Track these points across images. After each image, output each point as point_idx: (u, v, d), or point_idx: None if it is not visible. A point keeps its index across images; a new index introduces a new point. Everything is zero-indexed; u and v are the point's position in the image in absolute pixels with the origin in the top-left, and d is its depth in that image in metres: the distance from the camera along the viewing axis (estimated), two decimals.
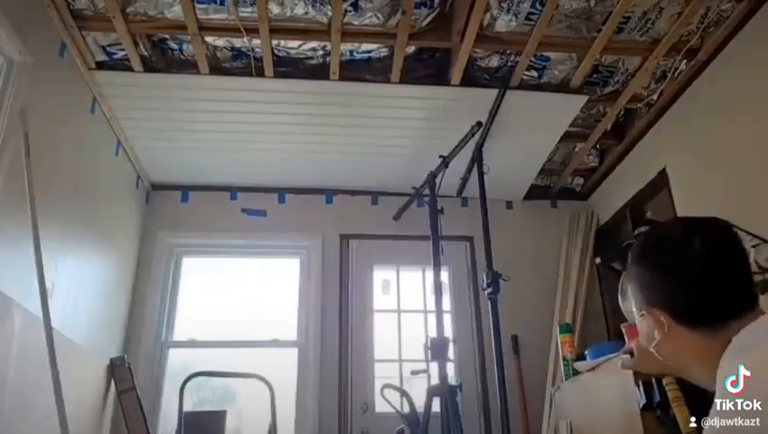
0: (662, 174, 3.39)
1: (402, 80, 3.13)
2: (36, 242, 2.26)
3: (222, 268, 4.26)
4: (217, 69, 3.09)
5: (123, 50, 2.93)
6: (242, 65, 3.09)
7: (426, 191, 3.30)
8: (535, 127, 3.51)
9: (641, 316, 1.06)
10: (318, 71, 3.11)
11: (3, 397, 2.24)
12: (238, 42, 2.95)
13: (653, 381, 2.01)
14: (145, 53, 2.97)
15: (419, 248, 4.18)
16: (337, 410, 3.66)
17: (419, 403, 2.70)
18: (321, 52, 3.03)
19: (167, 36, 2.94)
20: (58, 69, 2.75)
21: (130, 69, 3.02)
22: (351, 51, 3.03)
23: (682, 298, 0.99)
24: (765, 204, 2.55)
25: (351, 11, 2.72)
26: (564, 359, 2.95)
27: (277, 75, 3.09)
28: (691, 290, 0.99)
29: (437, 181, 3.26)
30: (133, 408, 3.24)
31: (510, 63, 3.10)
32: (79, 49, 2.86)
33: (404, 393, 2.82)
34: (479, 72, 3.17)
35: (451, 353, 2.82)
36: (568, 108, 3.34)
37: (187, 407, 3.25)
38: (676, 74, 3.13)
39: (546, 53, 3.05)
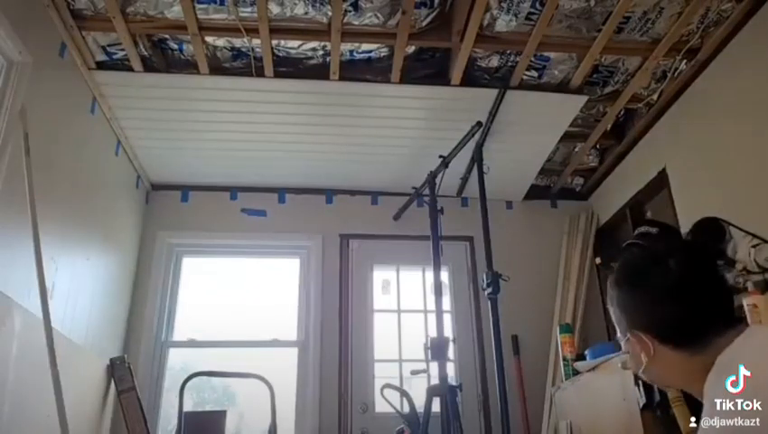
0: (662, 174, 3.39)
1: (402, 80, 3.13)
2: (36, 242, 2.26)
3: (222, 268, 4.27)
4: (217, 69, 3.09)
5: (123, 50, 2.93)
6: (242, 65, 3.09)
7: (426, 191, 3.30)
8: (535, 127, 3.51)
9: (627, 340, 1.06)
10: (318, 71, 3.11)
11: (3, 397, 2.23)
12: (238, 42, 2.95)
13: None
14: (145, 53, 2.97)
15: (419, 248, 4.18)
16: (337, 410, 3.66)
17: (419, 403, 2.70)
18: (321, 52, 3.03)
19: (167, 36, 2.94)
20: (58, 69, 2.74)
21: (130, 69, 3.02)
22: (351, 51, 3.03)
23: (664, 320, 1.00)
24: (765, 204, 2.55)
25: (351, 11, 2.72)
26: (564, 359, 2.95)
27: (277, 75, 3.09)
28: (672, 311, 0.99)
29: (437, 181, 3.26)
30: (133, 408, 3.24)
31: (510, 63, 3.10)
32: (79, 49, 2.86)
33: (404, 393, 2.82)
34: (479, 72, 3.17)
35: (451, 353, 2.82)
36: (568, 108, 3.34)
37: (187, 407, 3.26)
38: (676, 74, 3.13)
39: (546, 53, 3.05)
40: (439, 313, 2.87)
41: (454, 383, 2.64)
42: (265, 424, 3.22)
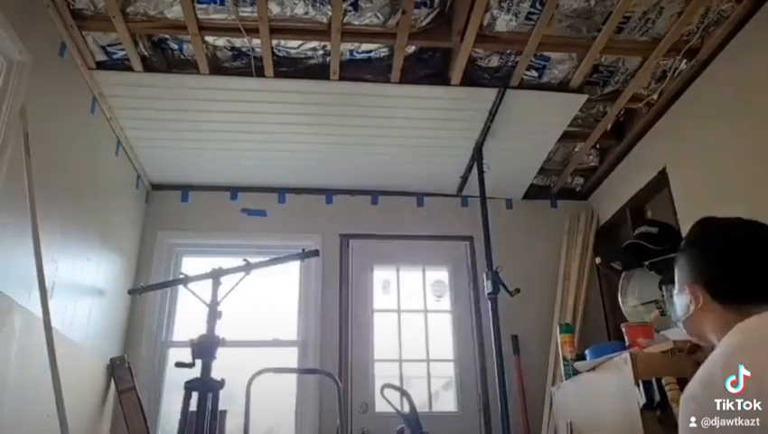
0: (662, 174, 3.39)
1: (402, 80, 3.13)
2: (36, 242, 2.26)
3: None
4: (217, 69, 3.09)
5: (123, 50, 2.93)
6: (242, 65, 3.09)
7: (426, 190, 3.27)
8: (535, 126, 3.51)
9: (681, 291, 1.21)
10: (318, 71, 3.11)
11: (3, 397, 2.24)
12: (238, 42, 2.95)
13: (653, 380, 2.02)
14: (145, 53, 2.97)
15: (419, 248, 4.20)
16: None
17: (420, 403, 2.69)
18: (321, 52, 3.03)
19: (167, 36, 2.94)
20: (58, 68, 2.75)
21: (130, 69, 3.02)
22: (351, 51, 3.02)
23: (720, 280, 1.14)
24: (765, 204, 2.55)
25: (351, 11, 2.72)
26: (564, 359, 2.95)
27: (277, 75, 3.09)
28: (729, 274, 1.14)
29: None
30: (133, 408, 3.25)
31: (510, 63, 3.10)
32: (79, 49, 2.86)
33: (404, 393, 2.82)
34: (479, 72, 3.17)
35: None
36: (568, 107, 3.34)
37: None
38: (676, 74, 3.12)
39: (546, 53, 3.04)
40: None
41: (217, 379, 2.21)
42: (265, 424, 3.21)
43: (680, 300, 1.22)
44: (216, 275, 2.32)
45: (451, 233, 4.19)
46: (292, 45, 2.99)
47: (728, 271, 1.14)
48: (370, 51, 3.04)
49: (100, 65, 3.03)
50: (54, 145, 2.70)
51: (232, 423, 3.06)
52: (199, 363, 2.15)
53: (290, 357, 3.87)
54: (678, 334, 2.02)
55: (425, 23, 2.81)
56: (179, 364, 2.15)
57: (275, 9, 2.70)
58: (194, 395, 2.09)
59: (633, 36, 2.89)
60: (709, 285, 1.15)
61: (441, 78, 3.18)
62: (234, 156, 3.86)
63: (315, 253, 2.57)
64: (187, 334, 3.84)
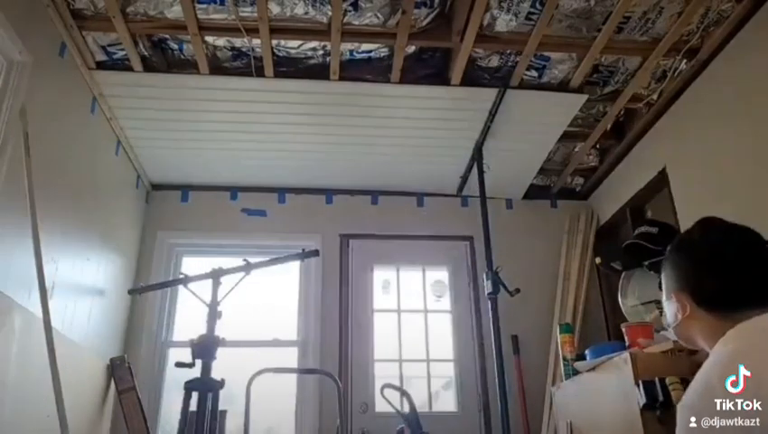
0: (662, 174, 3.39)
1: (402, 80, 3.13)
2: (36, 242, 2.26)
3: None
4: (217, 69, 3.09)
5: (123, 50, 2.93)
6: (242, 65, 3.09)
7: (426, 190, 3.28)
8: (535, 126, 3.51)
9: (669, 299, 1.20)
10: (318, 71, 3.11)
11: (3, 397, 2.24)
12: (238, 42, 2.95)
13: (656, 380, 2.02)
14: (145, 53, 2.97)
15: (419, 248, 4.20)
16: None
17: (419, 403, 2.69)
18: (321, 52, 3.03)
19: (167, 36, 2.94)
20: (58, 68, 2.75)
21: (130, 69, 3.02)
22: (351, 51, 3.02)
23: (706, 288, 1.13)
24: (765, 204, 2.55)
25: (351, 11, 2.72)
26: (564, 359, 2.95)
27: (277, 75, 3.09)
28: (714, 282, 1.13)
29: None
30: (133, 408, 3.25)
31: (510, 63, 3.10)
32: (79, 49, 2.86)
33: (404, 393, 2.82)
34: (479, 72, 3.17)
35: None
36: (568, 107, 3.34)
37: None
38: (676, 74, 3.12)
39: (546, 53, 3.04)
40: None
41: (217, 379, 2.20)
42: (265, 424, 3.21)
43: (669, 308, 1.22)
44: (216, 275, 2.32)
45: (451, 233, 4.19)
46: (292, 45, 2.99)
47: (713, 280, 1.13)
48: (370, 51, 3.04)
49: (100, 65, 3.03)
50: (54, 145, 2.70)
51: (232, 423, 3.06)
52: (199, 363, 2.15)
53: (290, 357, 3.87)
54: None
55: (425, 23, 2.81)
56: (179, 364, 2.15)
57: (275, 9, 2.70)
58: (194, 395, 2.09)
59: (633, 36, 2.89)
60: (695, 293, 1.14)
61: (441, 78, 3.18)
62: (234, 156, 3.86)
63: (315, 253, 2.57)
64: (187, 334, 3.84)
